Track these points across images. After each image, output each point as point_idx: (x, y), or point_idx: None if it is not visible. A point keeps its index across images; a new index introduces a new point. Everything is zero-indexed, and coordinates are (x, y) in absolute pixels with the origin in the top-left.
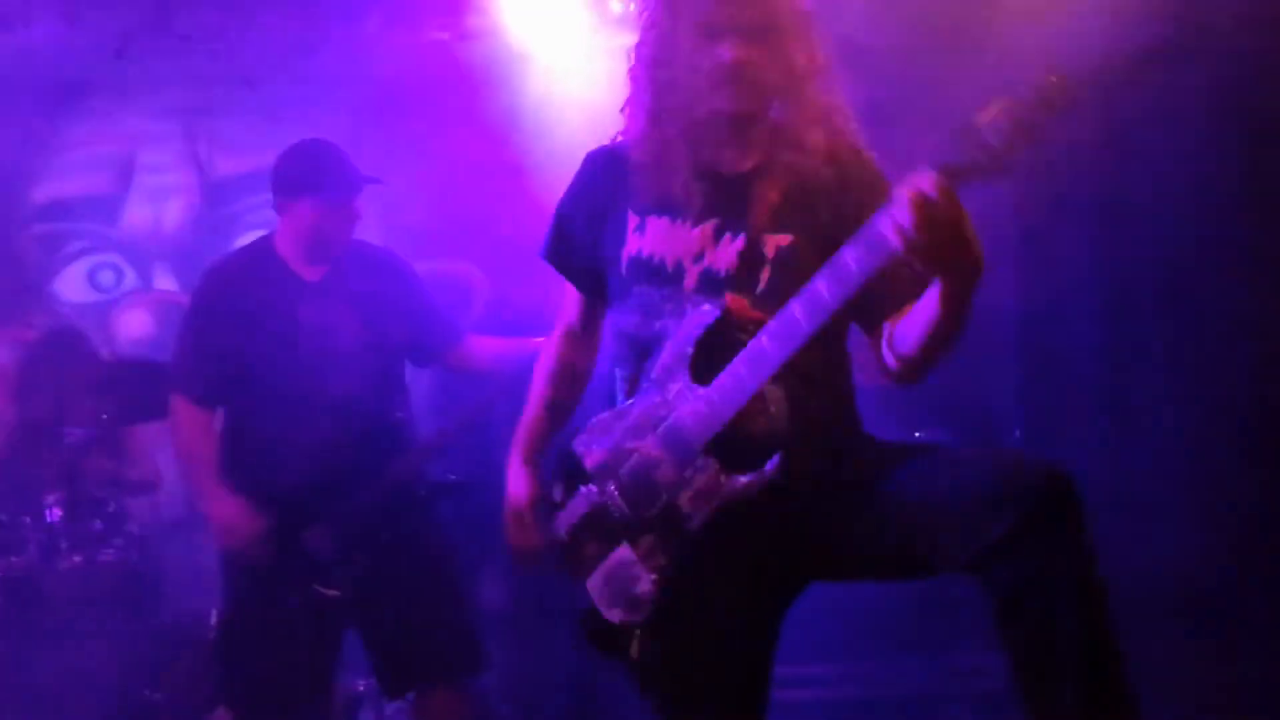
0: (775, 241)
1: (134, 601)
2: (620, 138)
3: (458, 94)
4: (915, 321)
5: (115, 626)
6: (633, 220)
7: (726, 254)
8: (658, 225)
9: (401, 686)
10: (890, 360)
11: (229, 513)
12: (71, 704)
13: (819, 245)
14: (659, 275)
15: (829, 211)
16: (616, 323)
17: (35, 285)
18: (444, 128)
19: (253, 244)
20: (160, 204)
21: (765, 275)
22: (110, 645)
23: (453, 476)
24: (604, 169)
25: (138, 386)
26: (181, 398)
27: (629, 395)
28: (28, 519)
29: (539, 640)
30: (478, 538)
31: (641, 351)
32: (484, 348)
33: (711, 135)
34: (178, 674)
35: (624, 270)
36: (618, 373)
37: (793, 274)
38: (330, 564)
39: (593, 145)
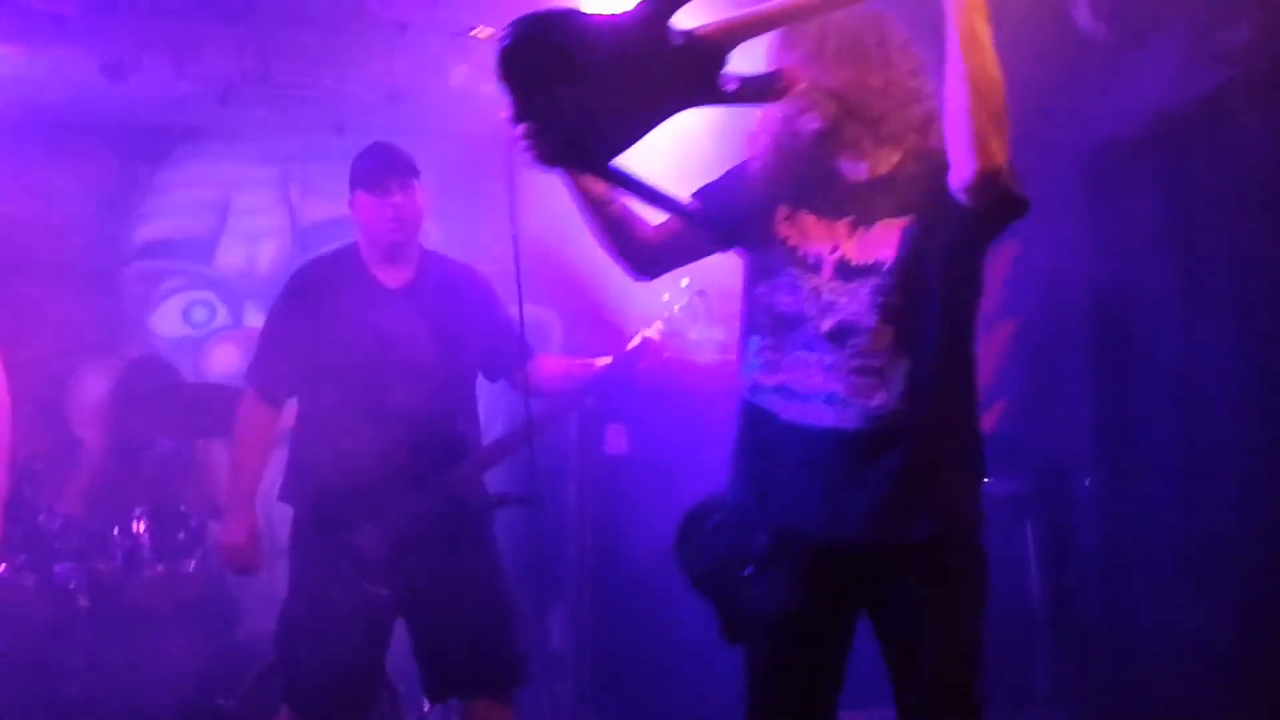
0: (898, 225)
1: (212, 612)
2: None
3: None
4: (949, 95)
5: (192, 634)
6: (783, 211)
7: (857, 245)
8: (805, 220)
9: (444, 693)
10: (953, 160)
11: (236, 530)
12: (146, 704)
13: (927, 227)
14: (803, 263)
15: (931, 198)
16: (763, 296)
17: (133, 320)
18: (521, 177)
19: (341, 247)
20: (253, 245)
21: (890, 257)
22: (186, 652)
23: (507, 492)
24: (762, 167)
25: (220, 408)
26: (250, 388)
27: (766, 363)
28: (116, 529)
29: (599, 676)
30: (549, 574)
31: (782, 325)
32: (552, 367)
33: (827, 148)
34: (248, 684)
35: (775, 252)
36: (756, 340)
37: (912, 253)
38: (379, 564)
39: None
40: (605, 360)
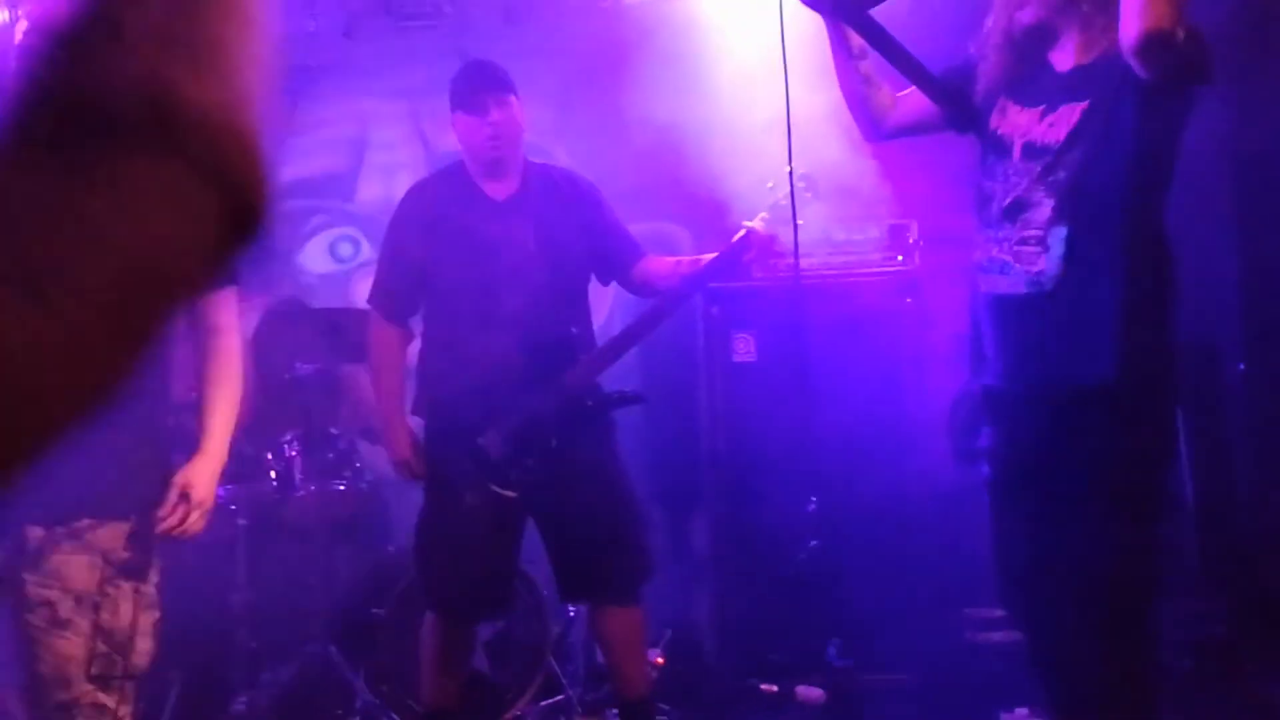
0: (1079, 108)
1: (363, 528)
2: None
3: (656, 59)
4: None
5: (345, 549)
6: (1000, 102)
7: (1043, 129)
8: (1010, 109)
9: (574, 593)
10: (1122, 20)
11: (397, 444)
12: (305, 613)
13: (1106, 108)
14: (1001, 148)
15: (1116, 79)
16: (977, 182)
17: (282, 259)
18: (643, 92)
19: (448, 165)
20: (391, 178)
21: (1061, 137)
22: (340, 566)
23: (623, 390)
24: (988, 62)
25: (356, 332)
26: (374, 310)
27: (976, 243)
28: (269, 454)
29: (742, 584)
30: (688, 484)
31: (984, 207)
32: (662, 265)
33: (1040, 39)
34: (399, 593)
35: (987, 140)
36: (975, 223)
37: (1081, 132)
38: (503, 466)
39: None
40: (712, 256)
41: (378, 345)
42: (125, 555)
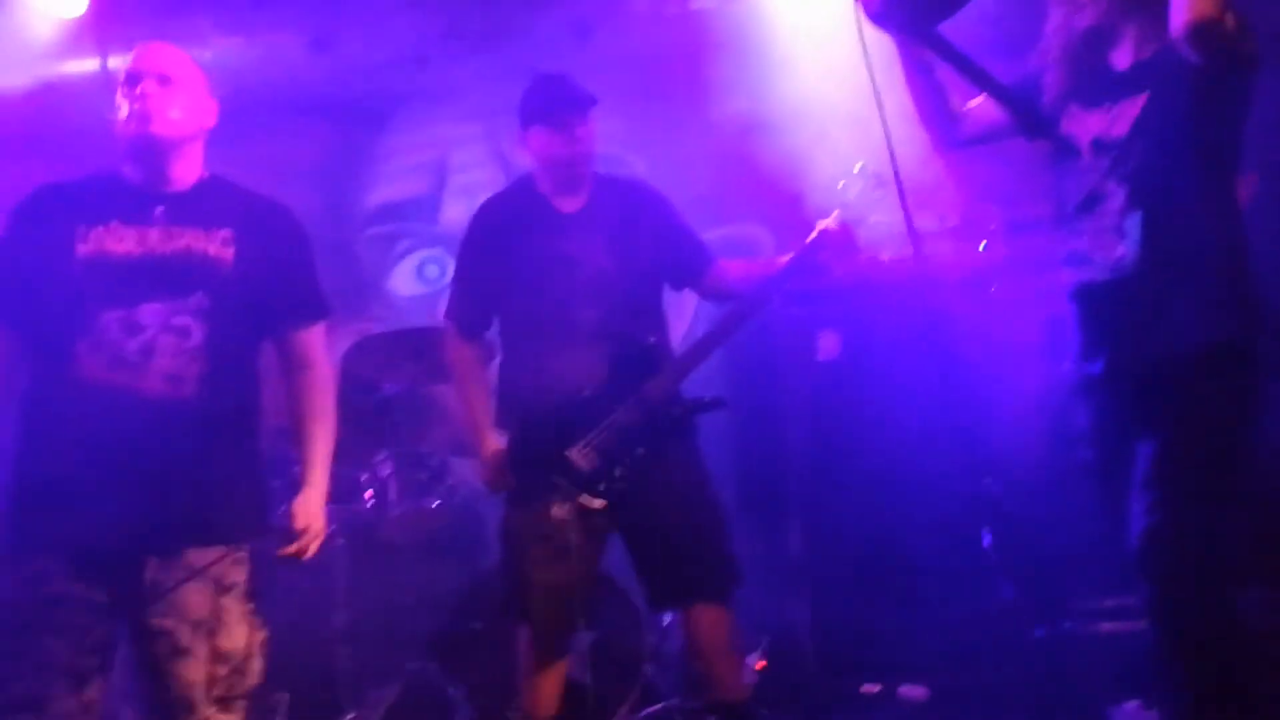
0: (1139, 101)
1: (458, 544)
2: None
3: (727, 61)
4: None
5: (441, 565)
6: (1068, 107)
7: (1108, 124)
8: (1076, 111)
9: (662, 601)
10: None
11: (485, 453)
12: (404, 630)
13: (1165, 99)
14: (1071, 149)
15: (1173, 71)
16: (1049, 179)
17: (372, 283)
18: (716, 96)
19: (516, 181)
20: (473, 199)
21: (1125, 130)
22: (436, 581)
23: (706, 396)
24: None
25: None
26: (450, 326)
27: (1061, 239)
28: (364, 474)
29: (838, 584)
30: (776, 486)
31: (1062, 206)
32: (735, 269)
33: (1098, 41)
34: (496, 607)
35: (1059, 143)
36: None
37: (1144, 123)
38: (591, 478)
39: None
40: (786, 258)
41: (456, 361)
42: (234, 580)
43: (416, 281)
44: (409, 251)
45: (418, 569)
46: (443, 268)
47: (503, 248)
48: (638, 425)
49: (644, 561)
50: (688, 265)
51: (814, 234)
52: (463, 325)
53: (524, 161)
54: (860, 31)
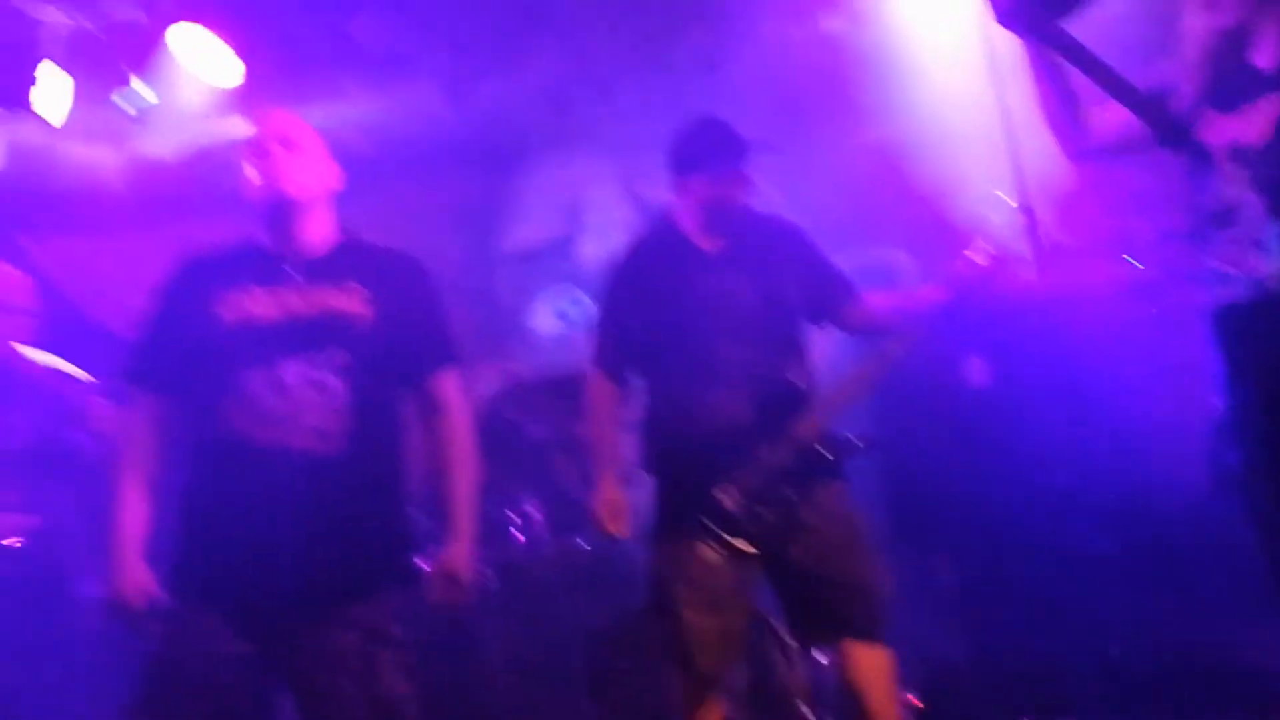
0: (1276, 100)
1: (608, 584)
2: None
3: (861, 85)
4: None
5: (590, 603)
6: (1205, 114)
7: (1245, 130)
8: (1213, 117)
9: (811, 638)
10: None
11: (601, 496)
12: (554, 667)
13: None
14: (1206, 158)
15: None
16: (1184, 191)
17: (512, 322)
18: (851, 119)
19: (659, 220)
20: (608, 237)
21: (1261, 136)
22: (584, 620)
23: (853, 435)
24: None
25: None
26: (595, 369)
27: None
28: (513, 514)
29: (990, 619)
30: (928, 516)
31: (1198, 219)
32: (879, 304)
33: (1236, 43)
34: (646, 646)
35: (1195, 152)
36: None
37: None
38: (741, 520)
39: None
40: (929, 288)
41: (595, 400)
42: (387, 630)
43: (555, 319)
44: (547, 290)
45: (568, 607)
46: (580, 306)
47: (648, 290)
48: (786, 466)
49: (791, 598)
50: (828, 299)
51: (958, 263)
52: (607, 368)
53: (657, 198)
54: (986, 36)
